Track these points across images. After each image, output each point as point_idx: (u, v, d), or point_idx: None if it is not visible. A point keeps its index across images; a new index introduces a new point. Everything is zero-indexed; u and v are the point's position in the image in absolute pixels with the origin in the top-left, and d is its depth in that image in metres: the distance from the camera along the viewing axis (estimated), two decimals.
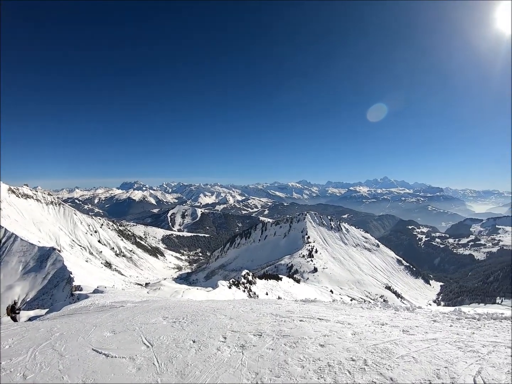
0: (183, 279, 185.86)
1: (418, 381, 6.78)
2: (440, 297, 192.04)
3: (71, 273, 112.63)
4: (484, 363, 7.84)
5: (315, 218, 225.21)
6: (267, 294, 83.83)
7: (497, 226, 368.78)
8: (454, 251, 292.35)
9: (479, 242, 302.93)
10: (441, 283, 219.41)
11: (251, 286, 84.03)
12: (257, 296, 74.40)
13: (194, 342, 9.39)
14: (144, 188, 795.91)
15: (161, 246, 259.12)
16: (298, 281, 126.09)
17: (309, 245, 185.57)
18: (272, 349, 8.62)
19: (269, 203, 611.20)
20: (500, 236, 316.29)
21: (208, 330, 10.48)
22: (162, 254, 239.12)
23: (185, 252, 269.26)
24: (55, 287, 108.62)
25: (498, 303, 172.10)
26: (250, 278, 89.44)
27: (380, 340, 9.45)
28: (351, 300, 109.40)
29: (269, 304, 16.80)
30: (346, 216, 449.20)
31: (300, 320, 11.74)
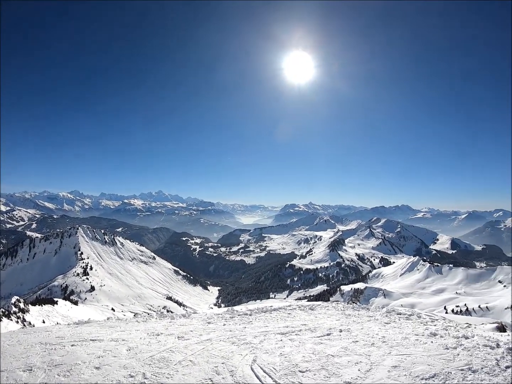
0: None
1: (199, 382, 7.57)
2: (220, 300, 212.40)
3: None
4: (257, 351, 9.80)
5: (88, 232, 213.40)
6: (44, 322, 74.27)
7: (263, 234, 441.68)
8: (227, 258, 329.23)
9: (249, 249, 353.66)
10: (219, 287, 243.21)
11: (24, 315, 72.94)
12: (33, 326, 64.92)
13: None
14: None
15: None
16: (76, 303, 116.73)
17: (83, 262, 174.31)
18: None
19: (37, 215, 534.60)
20: (266, 243, 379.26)
21: None
22: None
23: None
24: None
25: (272, 297, 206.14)
26: (22, 305, 77.43)
27: (156, 350, 10.21)
28: (134, 315, 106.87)
29: (38, 332, 15.47)
30: (120, 229, 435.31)
31: (72, 345, 11.31)
